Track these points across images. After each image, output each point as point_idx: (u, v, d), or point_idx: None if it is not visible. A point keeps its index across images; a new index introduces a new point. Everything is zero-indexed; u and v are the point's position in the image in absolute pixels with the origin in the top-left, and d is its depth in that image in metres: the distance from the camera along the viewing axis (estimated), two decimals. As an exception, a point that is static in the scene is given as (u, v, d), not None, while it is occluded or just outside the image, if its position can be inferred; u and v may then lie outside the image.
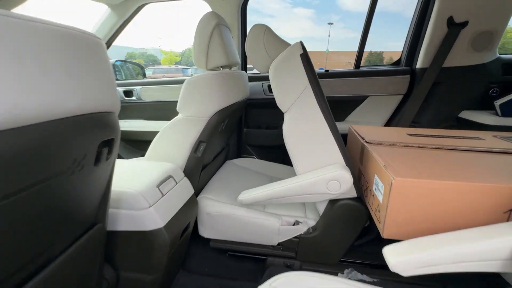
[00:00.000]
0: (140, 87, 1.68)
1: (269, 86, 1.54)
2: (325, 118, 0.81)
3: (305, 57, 0.81)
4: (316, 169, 0.86)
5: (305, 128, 0.84)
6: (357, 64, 1.46)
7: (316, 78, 0.82)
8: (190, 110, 0.93)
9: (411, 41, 1.36)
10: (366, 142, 0.92)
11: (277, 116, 1.59)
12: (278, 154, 1.66)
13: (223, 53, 0.97)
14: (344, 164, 0.84)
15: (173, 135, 0.95)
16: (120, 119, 1.78)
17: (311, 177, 0.83)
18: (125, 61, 2.06)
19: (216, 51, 0.97)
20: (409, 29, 1.38)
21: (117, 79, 1.85)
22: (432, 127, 1.36)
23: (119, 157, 1.81)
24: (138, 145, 1.84)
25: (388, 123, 1.44)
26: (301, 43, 0.85)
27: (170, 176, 0.85)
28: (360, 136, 1.01)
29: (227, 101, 0.99)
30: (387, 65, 1.54)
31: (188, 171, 0.97)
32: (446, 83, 1.29)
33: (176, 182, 0.87)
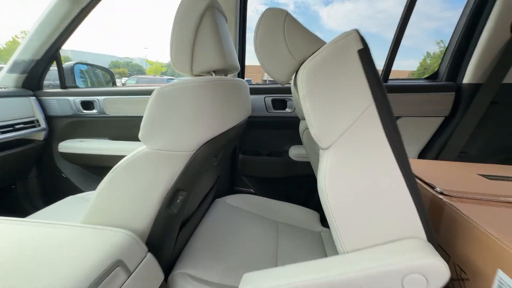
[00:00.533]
0: (104, 97, 1.29)
1: (274, 101, 1.19)
2: (397, 162, 0.47)
3: (367, 56, 0.48)
4: (377, 246, 0.50)
5: (361, 176, 0.48)
6: (385, 77, 1.16)
7: (384, 91, 0.48)
8: (162, 139, 0.56)
9: (457, 50, 1.08)
10: (443, 194, 0.59)
11: (282, 139, 1.25)
12: (281, 188, 1.30)
13: (219, 50, 0.62)
14: (426, 238, 0.49)
15: (132, 180, 0.57)
16: (77, 137, 1.37)
17: (372, 266, 0.47)
18: (91, 65, 1.66)
19: (208, 47, 0.62)
20: (453, 35, 1.10)
21: (77, 87, 1.45)
22: (483, 159, 1.06)
23: (76, 189, 1.38)
24: (102, 172, 1.42)
25: (424, 152, 1.13)
26: (358, 32, 0.51)
27: (117, 263, 0.46)
28: (422, 180, 0.67)
29: (224, 123, 0.62)
30: (422, 79, 1.25)
31: (156, 239, 0.59)
32: (505, 103, 1.00)
33: (131, 272, 0.48)
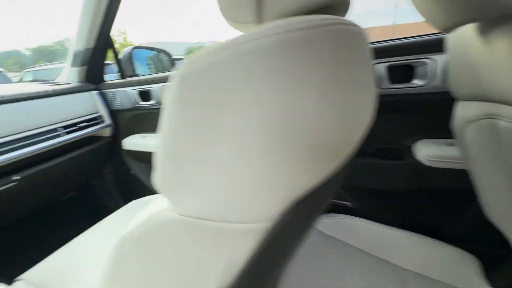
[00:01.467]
0: (160, 84, 1.08)
1: (392, 69, 0.73)
2: None
3: None
4: None
5: None
6: None
7: None
8: (201, 196, 0.23)
9: None
10: None
11: (403, 131, 0.79)
12: (397, 208, 0.86)
13: None
14: None
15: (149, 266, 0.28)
16: (140, 132, 1.24)
17: None
18: (150, 49, 1.50)
19: None
20: None
21: (136, 75, 1.30)
22: None
23: (145, 188, 1.29)
24: None
25: None
26: None
27: None
28: None
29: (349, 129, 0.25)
30: None
31: None
32: None
33: None
